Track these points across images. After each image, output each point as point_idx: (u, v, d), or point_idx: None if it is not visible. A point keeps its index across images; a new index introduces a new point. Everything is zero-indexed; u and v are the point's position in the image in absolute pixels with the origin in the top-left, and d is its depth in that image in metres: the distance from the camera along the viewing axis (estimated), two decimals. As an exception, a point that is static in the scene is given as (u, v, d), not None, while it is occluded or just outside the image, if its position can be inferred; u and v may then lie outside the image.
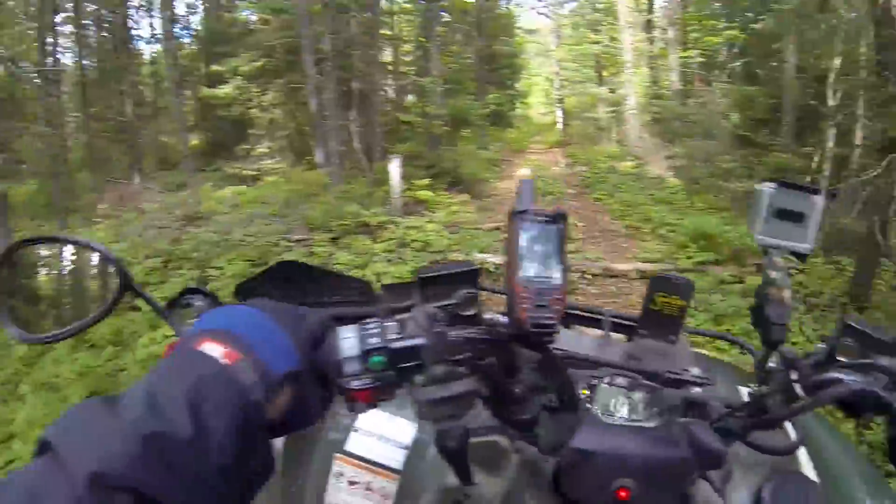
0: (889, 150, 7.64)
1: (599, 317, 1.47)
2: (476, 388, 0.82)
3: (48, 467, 0.49)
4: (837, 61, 14.06)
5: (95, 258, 0.97)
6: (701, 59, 16.02)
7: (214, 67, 18.67)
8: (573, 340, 1.32)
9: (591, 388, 1.00)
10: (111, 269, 0.86)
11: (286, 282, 0.92)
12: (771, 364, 0.99)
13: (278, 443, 1.13)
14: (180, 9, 23.83)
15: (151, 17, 24.43)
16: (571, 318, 1.52)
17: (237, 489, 0.57)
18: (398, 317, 0.79)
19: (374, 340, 0.72)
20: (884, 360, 0.88)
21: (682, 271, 7.80)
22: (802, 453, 1.13)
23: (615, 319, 1.46)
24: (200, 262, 8.79)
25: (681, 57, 18.27)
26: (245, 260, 8.65)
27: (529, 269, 0.79)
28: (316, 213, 11.17)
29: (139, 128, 20.28)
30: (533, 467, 0.98)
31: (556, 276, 0.79)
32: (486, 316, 0.88)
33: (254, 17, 18.90)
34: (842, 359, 0.91)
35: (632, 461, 0.86)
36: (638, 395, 1.00)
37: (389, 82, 18.75)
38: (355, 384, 0.72)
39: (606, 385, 1.00)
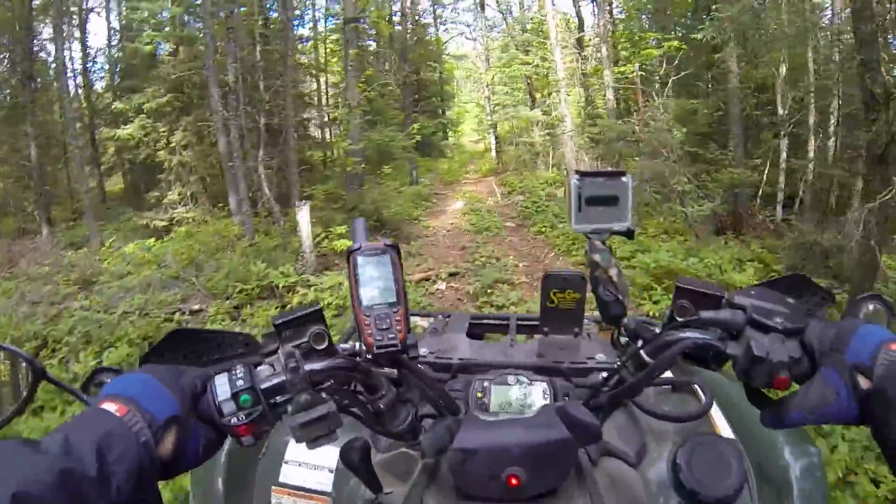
0: (883, 160, 6.34)
1: (505, 322, 1.76)
2: (336, 409, 0.88)
3: None
4: (783, 69, 12.99)
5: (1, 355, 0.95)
6: (641, 74, 14.65)
7: (117, 104, 16.55)
8: (480, 349, 1.46)
9: (484, 390, 1.18)
10: (21, 363, 0.89)
11: (180, 348, 0.96)
12: (624, 339, 1.14)
13: (218, 484, 1.26)
14: (99, 40, 21.28)
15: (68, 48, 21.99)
16: (481, 328, 1.82)
17: None
18: (268, 360, 0.92)
19: (241, 383, 0.84)
20: (707, 314, 0.95)
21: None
22: (718, 415, 1.22)
23: (521, 322, 1.74)
24: (76, 348, 7.21)
25: (616, 73, 17.05)
26: (130, 342, 7.14)
27: (369, 299, 0.94)
28: (220, 274, 9.58)
29: (49, 172, 18.27)
30: (435, 470, 1.07)
31: (393, 299, 0.94)
32: (346, 345, 1.16)
33: (163, 48, 16.80)
34: (680, 319, 0.99)
35: (514, 450, 0.92)
36: (530, 389, 1.18)
37: (310, 116, 17.00)
38: (234, 421, 0.83)
39: (499, 385, 1.19)
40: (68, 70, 21.29)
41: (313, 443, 0.89)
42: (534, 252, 11.55)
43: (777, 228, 12.28)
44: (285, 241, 11.26)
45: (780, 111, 12.89)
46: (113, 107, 16.87)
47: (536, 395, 1.19)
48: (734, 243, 10.97)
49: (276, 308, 8.55)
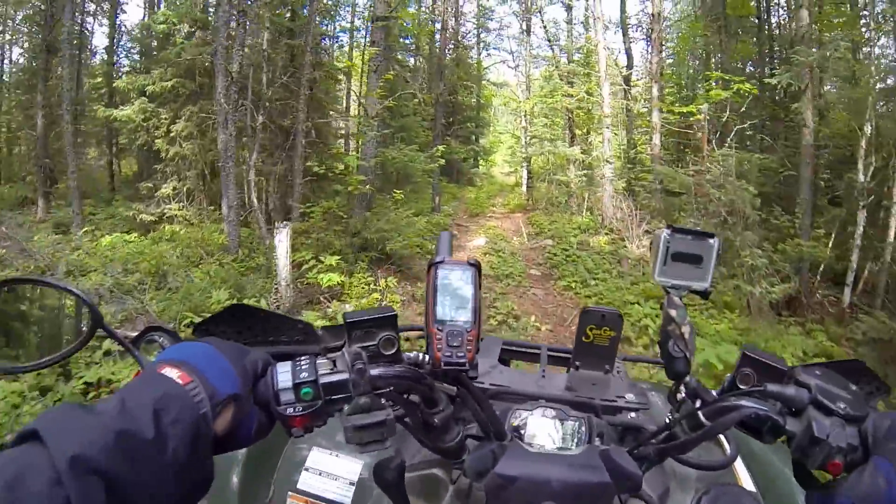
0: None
1: (537, 351, 1.74)
2: (394, 417, 0.88)
3: (32, 450, 0.57)
4: (869, 128, 11.09)
5: (71, 300, 0.97)
6: (699, 117, 12.71)
7: (119, 83, 14.97)
8: (512, 377, 1.40)
9: (522, 420, 1.12)
10: (84, 311, 0.93)
11: (237, 322, 0.97)
12: (681, 395, 1.08)
13: (234, 484, 1.26)
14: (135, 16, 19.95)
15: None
16: (511, 354, 1.80)
17: (185, 488, 0.67)
18: (330, 355, 0.90)
19: (304, 375, 0.85)
20: (773, 387, 0.95)
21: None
22: (740, 466, 1.27)
23: (552, 353, 1.70)
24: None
25: (674, 113, 15.19)
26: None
27: (443, 313, 0.94)
28: (179, 294, 8.09)
29: (56, 146, 16.66)
30: (467, 496, 1.09)
31: (468, 318, 0.94)
32: (411, 354, 1.02)
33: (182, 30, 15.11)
34: (742, 386, 1.00)
35: (553, 485, 0.91)
36: (568, 424, 1.11)
37: (328, 121, 15.27)
38: (290, 411, 0.83)
39: (538, 417, 1.12)
40: (92, 44, 20.29)
41: (364, 447, 0.87)
42: (560, 312, 9.81)
43: (839, 313, 10.47)
44: (269, 262, 9.59)
45: (861, 178, 10.95)
46: (114, 85, 15.23)
47: (573, 430, 1.11)
48: (795, 329, 9.16)
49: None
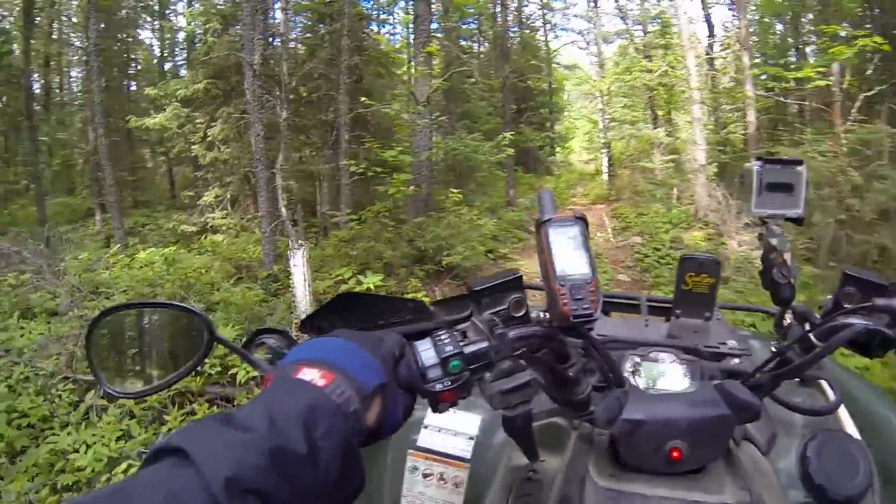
0: None
1: (636, 302, 1.70)
2: (535, 377, 0.90)
3: (184, 471, 0.54)
4: None
5: (179, 315, 0.98)
6: (821, 83, 10.29)
7: (149, 90, 13.94)
8: (617, 326, 1.42)
9: (636, 365, 1.12)
10: (196, 323, 0.93)
11: (346, 311, 0.93)
12: (787, 320, 1.13)
13: None
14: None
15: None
16: (611, 306, 1.78)
17: (339, 500, 0.66)
18: (458, 328, 0.91)
19: (450, 349, 0.83)
20: (882, 301, 0.97)
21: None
22: (844, 413, 1.21)
23: (651, 303, 1.65)
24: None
25: (775, 83, 13.08)
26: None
27: (562, 269, 0.88)
28: None
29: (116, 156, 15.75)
30: (591, 441, 1.06)
31: (586, 270, 0.88)
32: (532, 314, 0.98)
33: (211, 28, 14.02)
34: (847, 305, 1.02)
35: (679, 424, 0.92)
36: (679, 368, 1.11)
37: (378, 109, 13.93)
38: (439, 387, 0.82)
39: (650, 361, 1.13)
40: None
41: (512, 410, 0.89)
42: (658, 334, 8.13)
43: None
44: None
45: None
46: (145, 92, 14.24)
47: (685, 373, 1.10)
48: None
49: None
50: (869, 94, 10.26)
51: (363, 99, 10.25)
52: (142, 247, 12.20)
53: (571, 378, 0.97)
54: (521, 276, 0.97)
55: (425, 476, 1.25)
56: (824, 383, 1.17)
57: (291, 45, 12.09)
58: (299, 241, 7.13)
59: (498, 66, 18.24)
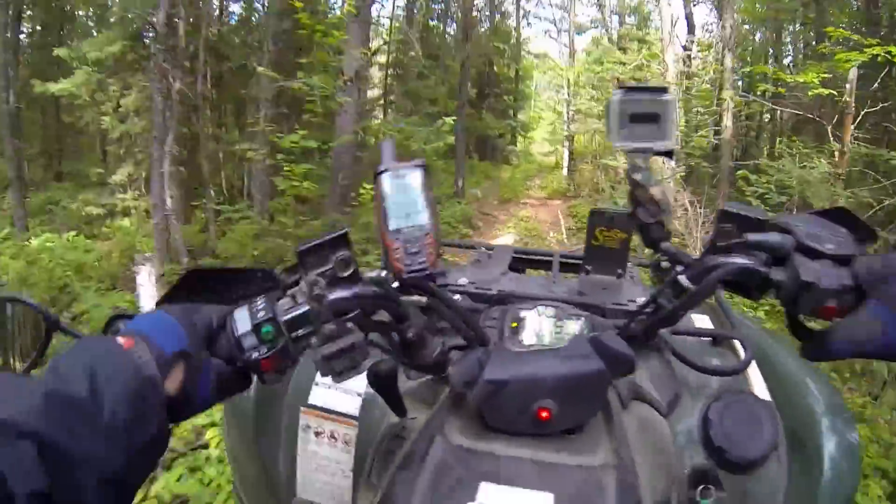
0: None
1: (550, 258, 1.62)
2: (364, 339, 0.82)
3: None
4: None
5: (12, 308, 0.88)
6: (823, 91, 8.77)
7: (60, 51, 11.73)
8: (522, 282, 1.37)
9: (520, 320, 1.06)
10: (33, 315, 0.86)
11: (198, 288, 0.86)
12: (665, 264, 1.00)
13: (249, 405, 1.22)
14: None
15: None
16: (523, 263, 1.66)
17: (128, 452, 0.60)
18: (290, 292, 0.82)
19: (262, 314, 0.76)
20: (754, 236, 0.88)
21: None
22: (755, 374, 1.14)
23: (565, 259, 1.60)
24: None
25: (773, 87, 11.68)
26: None
27: (397, 222, 0.83)
28: None
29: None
30: (460, 397, 0.92)
31: (424, 221, 0.83)
32: (372, 273, 0.89)
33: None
34: (722, 244, 0.92)
35: (546, 382, 0.84)
36: (567, 322, 1.05)
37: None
38: (255, 355, 0.76)
39: (534, 315, 1.07)
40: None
41: (339, 376, 0.82)
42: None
43: None
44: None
45: None
46: (54, 54, 11.99)
47: (573, 329, 1.06)
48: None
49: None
50: (872, 109, 8.93)
51: (273, 74, 8.47)
52: (42, 230, 10.61)
53: (413, 339, 0.89)
54: (347, 233, 0.84)
55: (317, 434, 1.17)
56: (737, 343, 1.12)
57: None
58: (145, 255, 5.48)
59: (460, 46, 16.40)
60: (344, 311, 0.82)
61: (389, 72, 17.96)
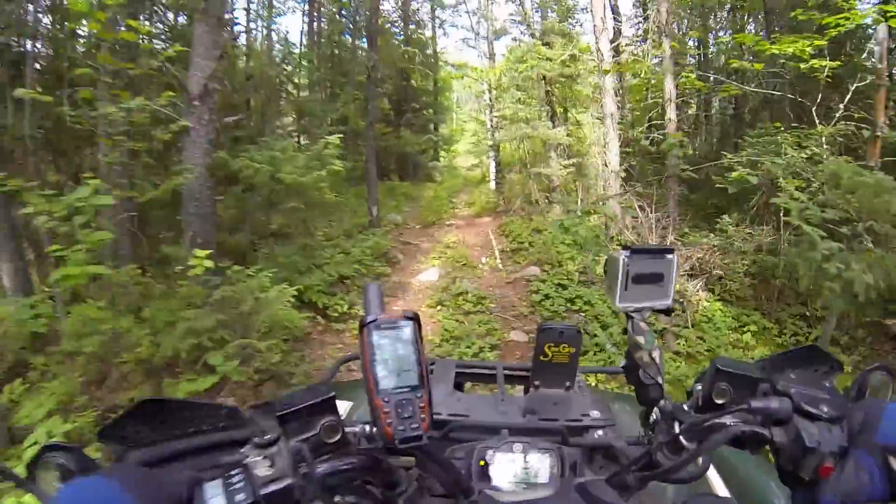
0: None
1: (492, 371, 1.55)
2: None
3: None
4: None
5: None
6: (815, 63, 6.70)
7: None
8: (472, 403, 1.30)
9: (489, 459, 1.02)
10: None
11: (151, 419, 0.79)
12: (654, 416, 1.02)
13: None
14: None
15: None
16: (466, 377, 1.58)
17: None
18: (266, 452, 0.77)
19: (241, 496, 0.71)
20: (757, 403, 0.88)
21: None
22: (712, 473, 1.22)
23: (509, 372, 1.54)
24: None
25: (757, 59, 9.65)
26: None
27: (387, 381, 0.80)
28: None
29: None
30: None
31: (415, 382, 0.81)
32: (355, 429, 0.92)
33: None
34: (718, 401, 0.93)
35: None
36: (537, 458, 1.03)
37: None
38: None
39: (504, 453, 1.03)
40: None
41: None
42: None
43: None
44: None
45: None
46: None
47: (543, 465, 1.04)
48: None
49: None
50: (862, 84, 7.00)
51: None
52: None
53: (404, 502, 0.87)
54: (333, 396, 0.82)
55: None
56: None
57: None
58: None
59: (369, 57, 14.00)
60: (332, 486, 0.80)
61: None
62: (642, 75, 13.60)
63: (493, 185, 18.08)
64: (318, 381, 2.02)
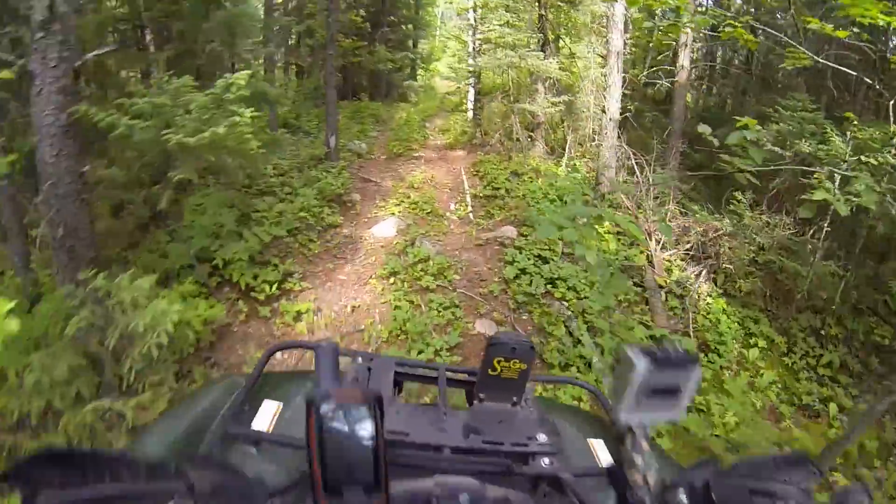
0: None
1: (434, 374, 1.43)
2: None
3: None
4: None
5: None
6: None
7: None
8: (412, 418, 1.18)
9: None
10: None
11: (49, 472, 0.70)
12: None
13: None
14: None
15: None
16: (406, 377, 1.45)
17: None
18: None
19: None
20: None
21: None
22: None
23: (451, 375, 1.43)
24: None
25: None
26: None
27: (336, 479, 0.66)
28: None
29: None
30: None
31: (370, 480, 0.66)
32: None
33: None
34: None
35: None
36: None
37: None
38: None
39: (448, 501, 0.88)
40: None
41: None
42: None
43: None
44: None
45: None
46: None
47: None
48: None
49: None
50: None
51: None
52: None
53: None
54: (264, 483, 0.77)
55: None
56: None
57: None
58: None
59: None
60: None
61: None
62: (658, 12, 11.73)
63: (470, 114, 16.25)
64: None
